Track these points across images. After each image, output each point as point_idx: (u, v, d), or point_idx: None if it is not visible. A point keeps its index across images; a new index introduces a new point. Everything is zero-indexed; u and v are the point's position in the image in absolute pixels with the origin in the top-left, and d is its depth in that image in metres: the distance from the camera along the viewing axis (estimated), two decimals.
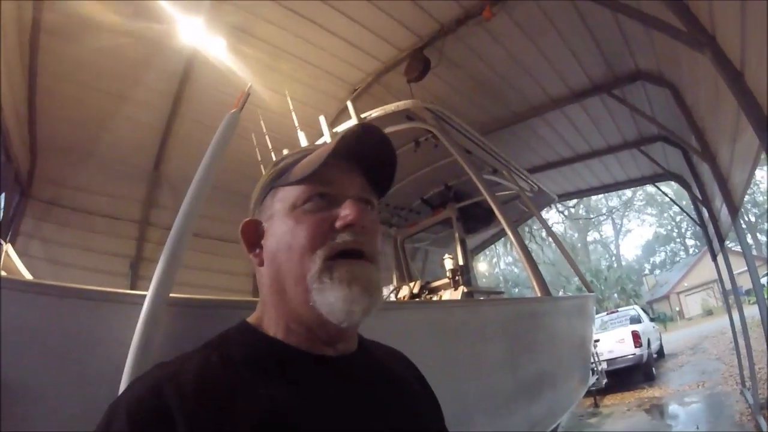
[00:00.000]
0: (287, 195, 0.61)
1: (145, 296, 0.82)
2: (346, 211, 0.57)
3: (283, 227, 0.59)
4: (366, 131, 0.62)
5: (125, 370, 0.74)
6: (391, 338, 1.46)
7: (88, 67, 4.18)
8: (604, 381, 7.00)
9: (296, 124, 3.01)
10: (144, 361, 0.74)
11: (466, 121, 3.47)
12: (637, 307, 11.87)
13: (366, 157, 0.63)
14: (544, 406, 2.64)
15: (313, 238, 0.56)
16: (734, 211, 4.07)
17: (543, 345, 2.72)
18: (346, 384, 0.57)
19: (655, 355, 9.70)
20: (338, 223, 0.57)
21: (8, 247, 1.60)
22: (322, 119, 2.97)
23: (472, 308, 2.30)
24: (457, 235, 3.90)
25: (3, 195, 4.42)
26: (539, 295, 2.71)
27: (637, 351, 8.39)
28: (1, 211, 4.38)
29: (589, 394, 6.96)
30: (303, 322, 0.57)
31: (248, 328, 0.60)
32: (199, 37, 3.72)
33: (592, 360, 5.43)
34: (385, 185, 0.67)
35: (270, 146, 3.39)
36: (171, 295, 0.86)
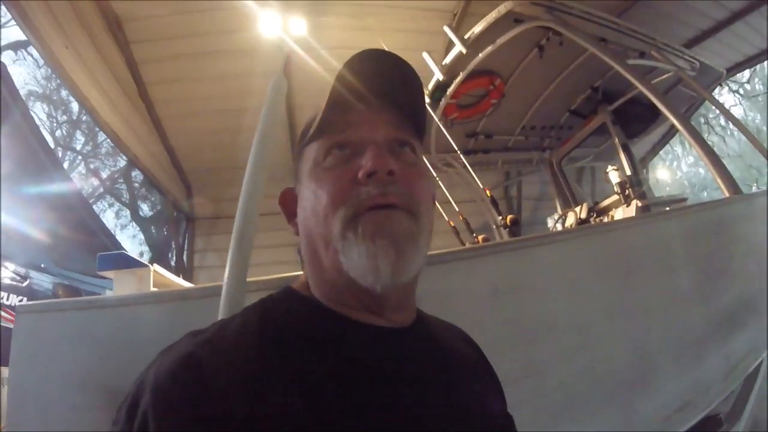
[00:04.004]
0: (309, 154, 0.54)
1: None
2: (366, 158, 0.48)
3: (308, 190, 0.52)
4: (367, 56, 0.52)
5: None
6: (548, 277, 1.26)
7: (196, 98, 4.62)
8: None
9: None
10: None
11: (588, 4, 2.85)
12: None
13: (384, 87, 0.52)
14: (746, 339, 2.09)
15: (335, 196, 0.49)
16: None
17: (740, 260, 2.10)
18: (398, 358, 0.50)
19: None
20: (360, 173, 0.48)
21: (155, 267, 1.80)
22: (426, 56, 2.75)
23: (643, 226, 1.88)
24: (617, 141, 3.29)
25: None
26: (727, 195, 2.16)
27: None
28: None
29: None
30: (340, 290, 0.51)
31: (291, 292, 0.55)
32: (280, 26, 3.75)
33: None
34: (419, 112, 0.55)
35: None
36: (250, 279, 0.86)
